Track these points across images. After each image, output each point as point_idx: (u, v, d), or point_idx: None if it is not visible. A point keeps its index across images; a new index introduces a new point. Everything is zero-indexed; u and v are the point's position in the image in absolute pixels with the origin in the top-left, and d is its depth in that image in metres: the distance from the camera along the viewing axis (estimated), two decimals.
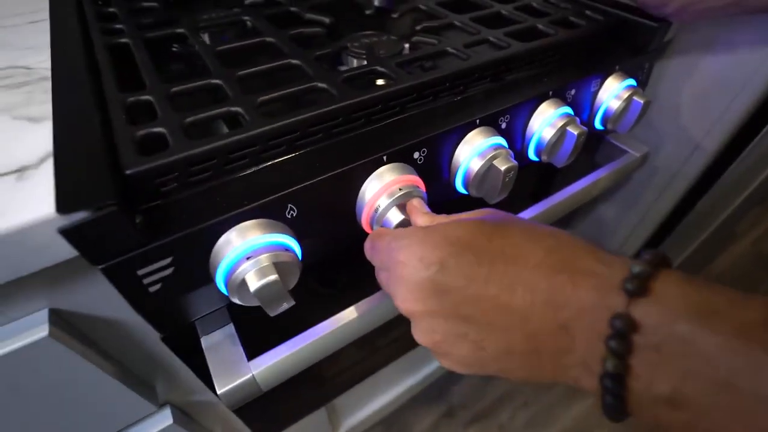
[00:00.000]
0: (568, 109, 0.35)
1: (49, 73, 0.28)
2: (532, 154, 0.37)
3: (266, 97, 0.26)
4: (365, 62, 0.33)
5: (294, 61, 0.30)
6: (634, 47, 0.40)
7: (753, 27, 0.42)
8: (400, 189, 0.27)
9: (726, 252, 1.11)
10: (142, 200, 0.21)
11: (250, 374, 0.29)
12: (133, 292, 0.22)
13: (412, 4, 0.43)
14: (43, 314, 0.23)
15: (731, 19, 0.43)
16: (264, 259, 0.23)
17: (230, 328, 0.31)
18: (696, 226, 0.65)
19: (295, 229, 0.26)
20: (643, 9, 0.40)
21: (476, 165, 0.31)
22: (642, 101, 0.39)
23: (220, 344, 0.30)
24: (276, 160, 0.25)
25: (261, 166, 0.24)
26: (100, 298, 0.25)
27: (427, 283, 0.20)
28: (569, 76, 0.36)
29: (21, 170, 0.21)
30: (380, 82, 0.31)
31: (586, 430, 0.83)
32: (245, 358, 0.29)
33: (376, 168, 0.27)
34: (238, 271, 0.23)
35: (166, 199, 0.22)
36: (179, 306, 0.26)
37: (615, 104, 0.39)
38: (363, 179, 0.27)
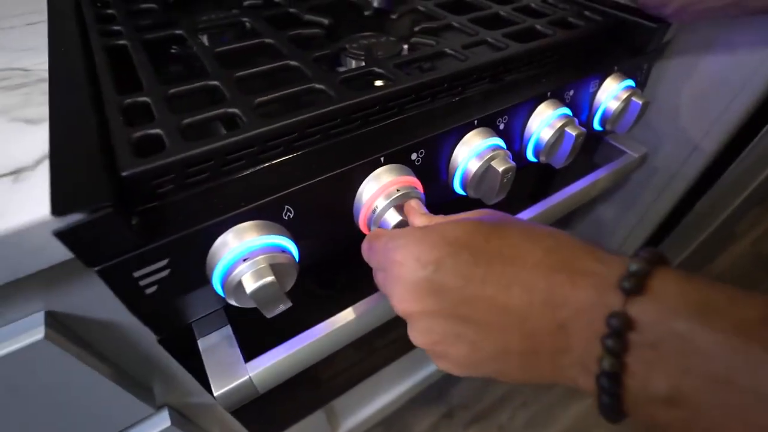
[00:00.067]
0: (567, 110, 0.35)
1: (46, 75, 0.28)
2: (530, 155, 0.37)
3: (264, 98, 0.26)
4: (364, 63, 0.33)
5: (292, 63, 0.30)
6: (633, 48, 0.40)
7: (752, 28, 0.42)
8: (397, 190, 0.27)
9: (725, 252, 1.11)
10: (138, 202, 0.21)
11: (247, 376, 0.28)
12: (129, 294, 0.22)
13: (411, 5, 0.43)
14: (39, 317, 0.23)
15: (730, 20, 0.43)
16: (261, 261, 0.23)
17: (227, 329, 0.31)
18: (695, 226, 0.65)
19: (293, 230, 0.26)
20: (643, 9, 0.40)
21: (474, 166, 0.31)
22: (641, 102, 0.39)
23: (217, 346, 0.30)
24: (273, 162, 0.25)
25: (258, 168, 0.24)
26: (96, 300, 0.25)
27: (423, 283, 0.20)
28: (568, 77, 0.36)
29: (17, 172, 0.21)
30: (378, 83, 0.31)
31: (585, 431, 0.83)
32: (242, 360, 0.29)
33: (374, 169, 0.27)
34: (234, 273, 0.23)
35: (162, 200, 0.22)
36: (176, 308, 0.26)
37: (614, 105, 0.39)
38: (360, 180, 0.27)
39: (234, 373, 0.29)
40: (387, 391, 0.70)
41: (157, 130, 0.23)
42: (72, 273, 0.23)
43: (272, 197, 0.24)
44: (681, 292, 0.15)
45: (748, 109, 0.47)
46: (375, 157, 0.27)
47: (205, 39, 0.37)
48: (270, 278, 0.23)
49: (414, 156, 0.29)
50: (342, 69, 0.32)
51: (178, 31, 0.33)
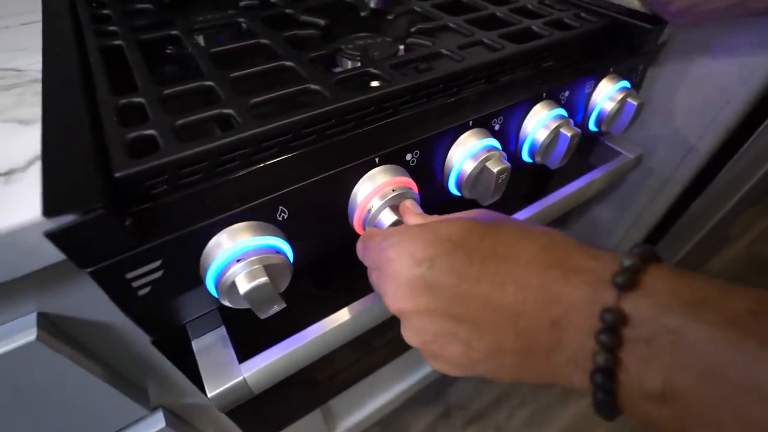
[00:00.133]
0: (562, 111, 0.35)
1: (40, 75, 0.27)
2: (525, 156, 0.37)
3: (258, 98, 0.26)
4: (359, 64, 0.33)
5: (288, 63, 0.30)
6: (629, 49, 0.41)
7: (753, 29, 0.42)
8: (393, 190, 0.27)
9: (720, 254, 1.11)
10: (131, 203, 0.21)
11: (242, 377, 0.28)
12: (122, 296, 0.22)
13: (408, 6, 0.43)
14: (32, 318, 0.23)
15: (734, 20, 0.43)
16: (254, 262, 0.23)
17: (222, 330, 0.31)
18: (690, 227, 0.65)
19: (287, 231, 0.26)
20: (649, 11, 0.39)
21: (469, 167, 0.31)
22: (636, 103, 0.39)
23: (211, 347, 0.30)
24: (267, 162, 0.25)
25: (252, 168, 0.24)
26: (88, 301, 0.25)
27: (417, 280, 0.20)
28: (563, 78, 0.36)
29: (8, 173, 0.21)
30: (374, 83, 0.31)
31: (583, 430, 0.83)
32: (237, 361, 0.29)
33: (369, 170, 0.27)
34: (228, 274, 0.23)
35: (156, 201, 0.22)
36: (169, 309, 0.26)
37: (609, 106, 0.39)
38: (355, 181, 0.27)
39: (228, 374, 0.29)
40: (384, 391, 0.70)
41: (152, 131, 0.22)
42: (65, 274, 0.23)
43: (266, 198, 0.24)
44: (673, 288, 0.15)
45: (744, 111, 0.47)
46: (370, 157, 0.27)
47: (200, 39, 0.37)
48: (263, 279, 0.23)
49: (409, 156, 0.29)
50: (338, 70, 0.32)
51: (173, 32, 0.33)
